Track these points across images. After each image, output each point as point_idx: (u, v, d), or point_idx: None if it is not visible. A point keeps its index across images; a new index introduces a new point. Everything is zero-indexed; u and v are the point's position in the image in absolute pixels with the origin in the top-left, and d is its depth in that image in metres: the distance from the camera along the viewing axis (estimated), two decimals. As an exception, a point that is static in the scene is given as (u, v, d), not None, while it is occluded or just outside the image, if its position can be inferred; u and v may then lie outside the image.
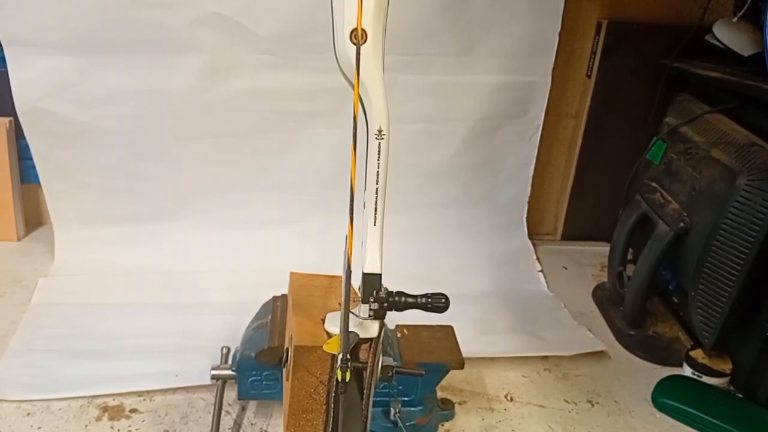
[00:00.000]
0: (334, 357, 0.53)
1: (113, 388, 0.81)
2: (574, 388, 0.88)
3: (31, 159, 1.05)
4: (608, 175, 1.21)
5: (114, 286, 1.02)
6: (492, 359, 0.92)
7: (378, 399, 0.73)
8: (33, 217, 1.21)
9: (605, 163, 1.22)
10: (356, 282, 0.49)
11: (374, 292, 0.49)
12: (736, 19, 0.96)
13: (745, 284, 0.80)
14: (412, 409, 0.74)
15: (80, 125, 1.02)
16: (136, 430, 0.76)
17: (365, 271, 0.48)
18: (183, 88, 1.01)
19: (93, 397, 0.80)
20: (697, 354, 0.91)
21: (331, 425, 0.54)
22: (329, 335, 0.55)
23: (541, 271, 1.19)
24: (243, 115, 1.05)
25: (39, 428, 0.75)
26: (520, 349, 0.94)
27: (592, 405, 0.85)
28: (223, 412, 0.77)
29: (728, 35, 0.97)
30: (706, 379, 0.88)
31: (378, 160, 0.47)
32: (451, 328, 0.78)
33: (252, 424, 0.78)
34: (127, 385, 0.81)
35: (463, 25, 1.05)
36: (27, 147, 1.04)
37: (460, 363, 0.73)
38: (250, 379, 0.73)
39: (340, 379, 0.49)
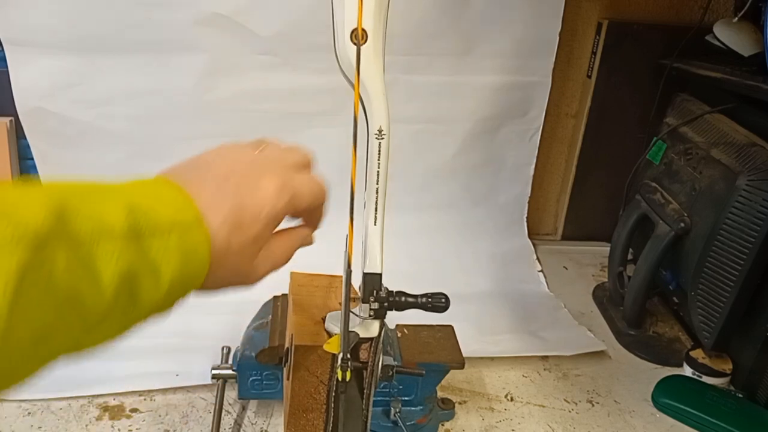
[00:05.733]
0: (334, 356, 0.53)
1: (114, 387, 0.81)
2: (574, 387, 0.88)
3: (32, 159, 1.05)
4: (608, 175, 1.21)
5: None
6: (492, 359, 0.92)
7: (378, 399, 0.73)
8: (33, 217, 1.21)
9: (605, 163, 1.22)
10: (357, 282, 0.49)
11: (374, 291, 0.48)
12: (736, 19, 0.96)
13: (745, 284, 0.80)
14: (413, 408, 0.74)
15: (81, 125, 1.02)
16: (137, 429, 0.76)
17: (365, 271, 0.48)
18: (183, 88, 1.01)
19: (93, 396, 0.80)
20: (697, 354, 0.91)
21: (331, 425, 0.54)
22: (329, 335, 0.55)
23: (541, 271, 1.19)
24: (243, 115, 1.05)
25: (39, 428, 0.75)
26: (520, 349, 0.94)
27: (592, 405, 0.85)
28: (223, 412, 0.77)
29: (728, 35, 0.97)
30: (706, 379, 0.88)
31: (378, 160, 0.47)
32: (451, 327, 0.78)
33: (252, 424, 0.78)
34: (127, 384, 0.81)
35: (463, 25, 1.05)
36: (27, 147, 1.04)
37: (461, 363, 0.73)
38: (251, 379, 0.73)
39: (340, 379, 0.49)
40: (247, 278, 0.38)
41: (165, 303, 0.32)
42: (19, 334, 0.24)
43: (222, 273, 0.34)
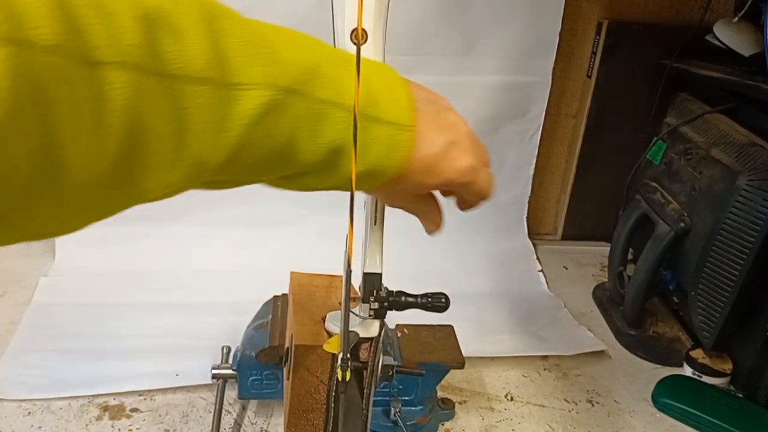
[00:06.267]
0: (334, 356, 0.53)
1: (114, 387, 0.81)
2: (574, 387, 0.88)
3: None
4: (608, 175, 1.21)
5: (114, 286, 1.02)
6: (492, 359, 0.92)
7: (378, 398, 0.73)
8: (33, 217, 1.21)
9: (605, 163, 1.22)
10: (357, 281, 0.49)
11: (374, 291, 0.48)
12: (736, 19, 0.96)
13: (745, 284, 0.80)
14: (413, 408, 0.74)
15: (81, 125, 1.02)
16: (137, 429, 0.76)
17: (365, 271, 0.48)
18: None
19: (93, 396, 0.80)
20: (698, 354, 0.91)
21: (331, 425, 0.54)
22: (329, 334, 0.55)
23: (542, 271, 1.19)
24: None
25: (39, 428, 0.75)
26: (520, 349, 0.94)
27: (592, 404, 0.85)
28: (223, 412, 0.78)
29: (729, 35, 0.97)
30: (706, 379, 0.88)
31: (378, 159, 0.47)
32: (451, 327, 0.78)
33: (252, 424, 0.78)
34: (127, 384, 0.81)
35: (463, 25, 1.05)
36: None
37: (461, 362, 0.73)
38: (251, 379, 0.73)
39: (340, 379, 0.49)
40: (387, 200, 0.43)
41: (347, 184, 0.34)
42: (238, 163, 0.28)
43: (385, 187, 0.36)
